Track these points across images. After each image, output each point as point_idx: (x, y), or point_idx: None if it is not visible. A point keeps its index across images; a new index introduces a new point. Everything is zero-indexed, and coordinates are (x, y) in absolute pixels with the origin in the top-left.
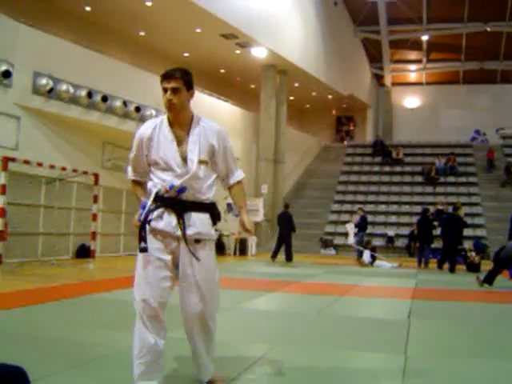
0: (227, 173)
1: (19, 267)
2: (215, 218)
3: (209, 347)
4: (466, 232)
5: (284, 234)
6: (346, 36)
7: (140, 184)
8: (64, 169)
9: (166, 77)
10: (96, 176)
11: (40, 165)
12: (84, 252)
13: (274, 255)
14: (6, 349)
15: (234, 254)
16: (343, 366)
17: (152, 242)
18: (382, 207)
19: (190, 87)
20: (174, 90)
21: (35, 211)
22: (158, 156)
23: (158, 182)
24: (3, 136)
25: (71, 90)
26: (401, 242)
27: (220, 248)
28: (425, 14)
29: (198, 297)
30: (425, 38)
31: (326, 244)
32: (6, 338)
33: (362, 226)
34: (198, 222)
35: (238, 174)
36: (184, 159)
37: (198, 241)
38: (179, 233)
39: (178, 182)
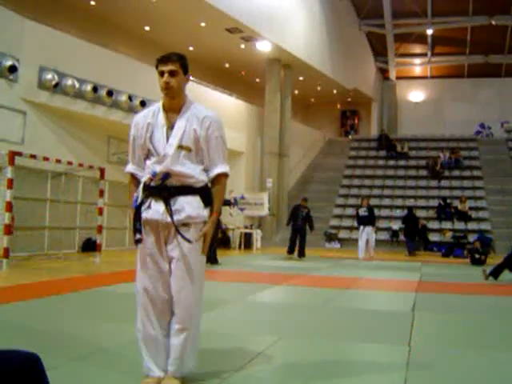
0: (209, 164)
1: (25, 261)
2: (206, 199)
3: (186, 344)
4: (471, 226)
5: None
6: (350, 30)
7: (136, 180)
8: (70, 163)
9: (163, 60)
10: (102, 170)
11: (46, 159)
12: (90, 246)
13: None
14: (13, 341)
15: (239, 247)
16: (348, 358)
17: (146, 235)
18: (387, 201)
19: (186, 71)
20: (171, 73)
21: (41, 205)
22: (150, 142)
23: (146, 172)
24: (9, 131)
25: (77, 84)
26: None
27: (225, 242)
28: (429, 8)
29: (179, 281)
30: (429, 31)
31: (331, 238)
32: (12, 331)
33: None
34: (187, 205)
35: (219, 168)
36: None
37: (185, 224)
38: (169, 219)
39: (158, 168)
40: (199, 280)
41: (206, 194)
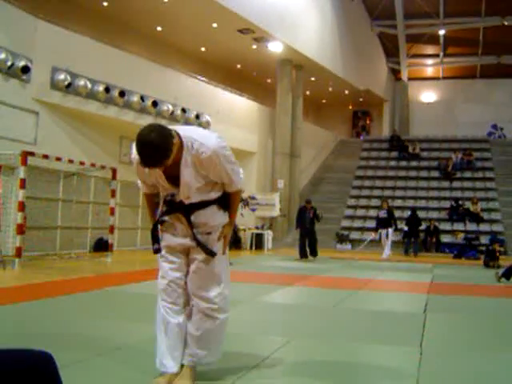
0: (223, 184)
1: (37, 260)
2: (224, 204)
3: (208, 332)
4: (483, 227)
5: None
6: (362, 30)
7: (152, 196)
8: (82, 163)
9: (147, 165)
10: (114, 170)
11: (58, 159)
12: (102, 246)
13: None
14: (25, 340)
15: (250, 248)
16: (359, 359)
17: (166, 240)
18: (399, 202)
19: (170, 154)
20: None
21: (53, 205)
22: (155, 180)
23: (162, 194)
24: (22, 131)
25: (89, 85)
26: None
27: (236, 242)
28: (442, 8)
29: (202, 278)
30: (442, 32)
31: (342, 239)
32: (25, 330)
33: None
34: (207, 218)
35: (232, 188)
36: (177, 187)
37: (209, 233)
38: (190, 232)
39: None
40: (223, 275)
41: (223, 200)
